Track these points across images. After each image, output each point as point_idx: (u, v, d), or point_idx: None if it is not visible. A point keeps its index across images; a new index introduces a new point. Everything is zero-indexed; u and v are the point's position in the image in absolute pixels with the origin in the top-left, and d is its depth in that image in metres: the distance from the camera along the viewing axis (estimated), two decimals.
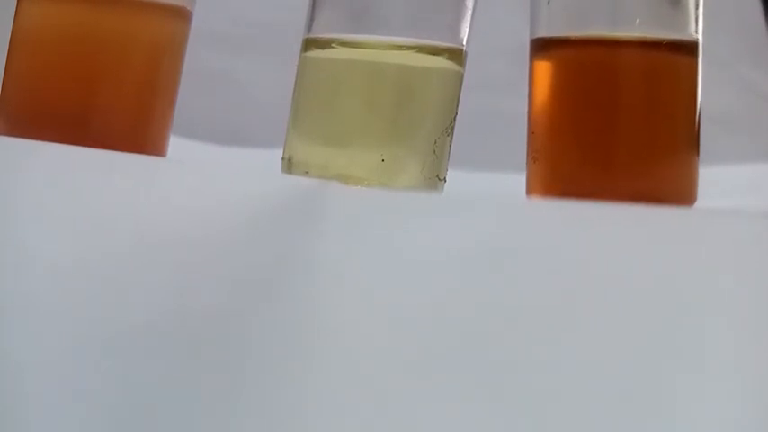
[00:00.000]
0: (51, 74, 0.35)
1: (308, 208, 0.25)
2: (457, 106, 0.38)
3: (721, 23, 0.63)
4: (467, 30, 0.38)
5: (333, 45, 0.37)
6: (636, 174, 0.37)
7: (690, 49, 0.38)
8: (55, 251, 0.23)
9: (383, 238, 0.23)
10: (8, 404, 0.21)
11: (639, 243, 0.23)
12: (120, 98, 0.36)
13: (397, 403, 0.20)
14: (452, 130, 0.38)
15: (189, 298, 0.23)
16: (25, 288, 0.23)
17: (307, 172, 0.37)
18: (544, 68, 0.39)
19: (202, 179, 0.27)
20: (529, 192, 0.39)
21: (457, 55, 0.38)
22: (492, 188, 0.52)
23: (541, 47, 0.39)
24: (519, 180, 0.40)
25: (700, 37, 0.38)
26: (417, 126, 0.37)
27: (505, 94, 0.56)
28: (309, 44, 0.38)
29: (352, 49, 0.37)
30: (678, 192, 0.38)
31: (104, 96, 0.36)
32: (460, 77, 0.38)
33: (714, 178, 0.42)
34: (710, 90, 0.40)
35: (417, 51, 0.37)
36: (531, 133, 0.39)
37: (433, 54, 0.38)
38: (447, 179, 0.38)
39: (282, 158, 0.38)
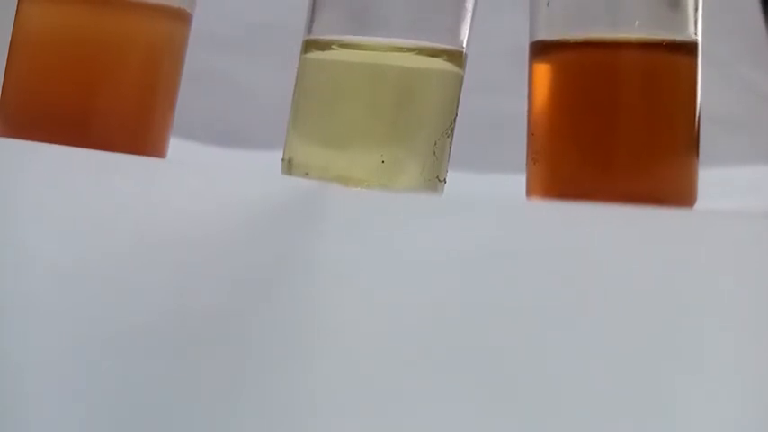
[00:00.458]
0: (51, 76, 0.35)
1: (308, 209, 0.25)
2: (457, 108, 0.38)
3: (721, 24, 0.63)
4: (467, 32, 0.38)
5: (333, 47, 0.37)
6: (636, 175, 0.37)
7: (689, 50, 0.38)
8: (55, 252, 0.23)
9: (383, 239, 0.23)
10: (8, 404, 0.21)
11: (639, 244, 0.23)
12: (121, 100, 0.36)
13: (396, 404, 0.20)
14: (452, 131, 0.38)
15: (189, 299, 0.23)
16: (26, 289, 0.23)
17: (307, 173, 0.37)
18: (544, 71, 0.39)
19: (202, 180, 0.27)
20: (529, 193, 0.39)
21: (457, 57, 0.38)
22: (492, 189, 0.52)
23: (541, 49, 0.39)
24: (519, 181, 0.40)
25: (699, 38, 0.38)
26: (417, 128, 0.37)
27: (505, 96, 0.56)
28: (309, 46, 0.38)
29: (352, 51, 0.37)
30: (678, 193, 0.38)
31: (104, 98, 0.36)
32: (460, 79, 0.38)
33: (714, 179, 0.42)
34: (710, 91, 0.40)
35: (417, 53, 0.37)
36: (530, 135, 0.40)
37: (433, 56, 0.38)
38: (447, 180, 0.38)
39: (282, 160, 0.38)
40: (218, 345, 0.22)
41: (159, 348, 0.22)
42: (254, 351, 0.22)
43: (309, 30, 0.38)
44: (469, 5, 0.38)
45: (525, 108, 0.40)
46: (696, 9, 0.38)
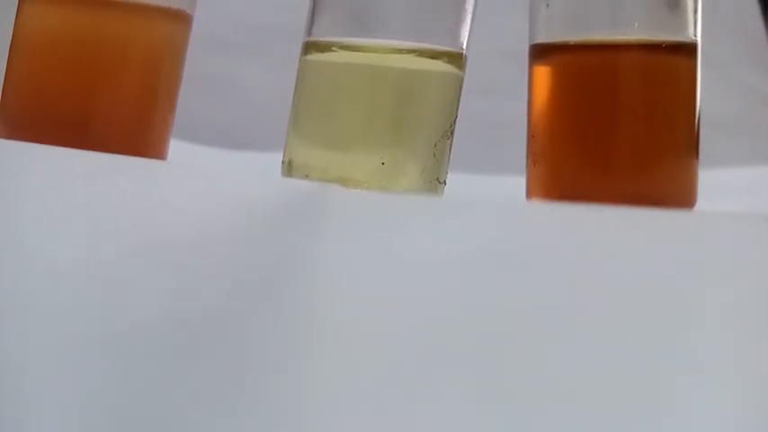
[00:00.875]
0: (52, 77, 0.35)
1: (308, 211, 0.25)
2: (457, 109, 0.38)
3: (720, 26, 0.63)
4: (467, 33, 0.38)
5: (333, 48, 0.37)
6: (636, 176, 0.37)
7: (689, 51, 0.38)
8: (55, 253, 0.23)
9: (383, 241, 0.23)
10: (8, 404, 0.21)
11: (639, 246, 0.23)
12: (121, 101, 0.36)
13: (397, 404, 0.20)
14: (452, 133, 0.38)
15: (189, 300, 0.23)
16: (26, 290, 0.23)
17: (307, 175, 0.37)
18: (544, 73, 0.39)
19: (203, 182, 0.27)
20: (529, 195, 0.39)
21: (457, 58, 0.38)
22: (492, 191, 0.52)
23: (541, 52, 0.39)
24: (519, 183, 0.40)
25: (698, 39, 0.38)
26: (417, 129, 0.37)
27: (505, 98, 0.56)
28: (309, 47, 0.38)
29: (352, 53, 0.37)
30: (678, 194, 0.38)
31: (105, 100, 0.36)
32: (460, 81, 0.38)
33: (714, 181, 0.42)
34: (710, 93, 0.40)
35: (417, 55, 0.37)
36: (530, 136, 0.40)
37: (433, 58, 0.38)
38: (447, 182, 0.38)
39: (282, 162, 0.38)
40: (218, 346, 0.22)
41: (159, 349, 0.22)
42: (255, 352, 0.22)
43: (309, 32, 0.38)
44: (469, 7, 0.38)
45: (525, 110, 0.40)
46: (696, 10, 0.38)
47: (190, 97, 0.40)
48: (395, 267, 0.23)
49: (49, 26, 0.36)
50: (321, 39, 0.38)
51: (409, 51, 0.37)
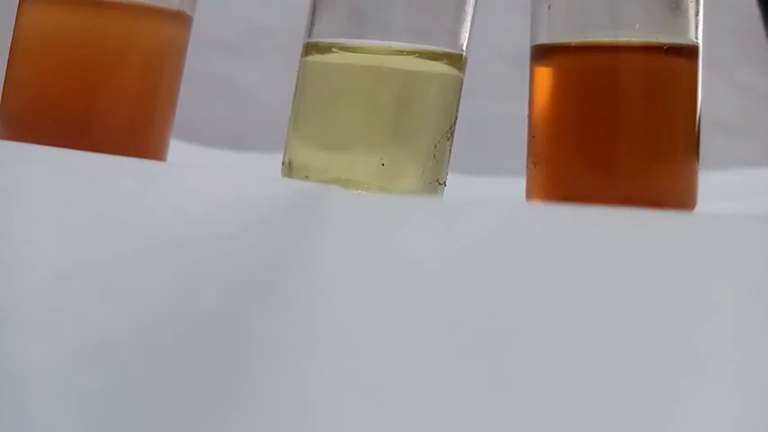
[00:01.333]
0: (52, 78, 0.36)
1: (308, 212, 0.25)
2: (457, 111, 0.38)
3: (721, 28, 0.63)
4: (467, 35, 0.38)
5: (333, 49, 0.37)
6: (636, 178, 0.37)
7: (690, 53, 0.38)
8: (55, 254, 0.23)
9: (383, 241, 0.23)
10: (8, 405, 0.21)
11: (640, 247, 0.23)
12: (121, 102, 0.36)
13: (397, 404, 0.20)
14: (452, 134, 0.38)
15: (189, 301, 0.23)
16: (25, 291, 0.23)
17: (307, 176, 0.37)
18: (545, 74, 0.39)
19: (202, 183, 0.27)
20: (529, 196, 0.39)
21: (457, 60, 0.38)
22: (492, 192, 0.52)
23: (542, 53, 0.39)
24: (519, 184, 0.40)
25: (700, 41, 0.38)
26: (417, 130, 0.37)
27: (505, 98, 0.56)
28: (310, 48, 0.38)
29: (352, 54, 0.37)
30: (678, 196, 0.38)
31: (105, 100, 0.36)
32: (460, 82, 0.38)
33: (714, 182, 0.42)
34: (711, 94, 0.40)
35: (417, 56, 0.37)
36: (531, 137, 0.40)
37: (433, 59, 0.38)
38: (447, 183, 0.38)
39: (282, 162, 0.38)
40: (217, 346, 0.22)
41: (158, 350, 0.22)
42: (254, 353, 0.22)
43: (310, 33, 0.38)
44: (469, 8, 0.38)
45: (525, 111, 0.40)
46: (697, 13, 0.39)
47: (190, 98, 0.40)
48: (394, 268, 0.23)
49: (49, 27, 0.36)
50: (321, 40, 0.38)
51: (409, 53, 0.37)
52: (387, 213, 0.24)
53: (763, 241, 0.23)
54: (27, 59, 0.36)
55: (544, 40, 0.39)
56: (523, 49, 0.40)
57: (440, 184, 0.38)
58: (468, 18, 0.38)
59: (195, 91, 0.45)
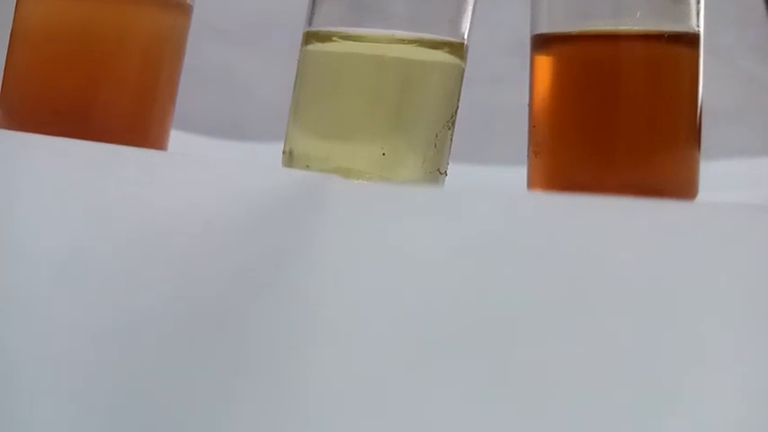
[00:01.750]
0: (52, 68, 0.35)
1: (309, 201, 0.25)
2: (458, 100, 0.38)
3: (722, 15, 0.62)
4: (468, 24, 0.38)
5: (334, 38, 0.37)
6: (637, 167, 0.37)
7: (691, 41, 0.38)
8: (55, 244, 0.23)
9: (384, 231, 0.23)
10: (8, 397, 0.21)
11: (640, 236, 0.23)
12: (121, 92, 0.36)
13: (397, 398, 0.20)
14: (453, 123, 0.38)
15: (189, 291, 0.23)
16: (25, 280, 0.23)
17: (307, 165, 0.37)
18: (545, 63, 0.39)
19: (203, 173, 0.27)
20: (530, 185, 0.39)
21: (458, 49, 0.38)
22: (493, 181, 0.52)
23: (542, 42, 0.39)
24: (520, 173, 0.40)
25: (701, 29, 0.38)
26: (418, 120, 0.37)
27: (506, 87, 0.56)
28: (310, 37, 0.38)
29: (352, 43, 0.37)
30: (679, 185, 0.38)
31: (105, 90, 0.35)
32: (461, 71, 0.38)
33: (715, 172, 0.42)
34: (712, 83, 0.40)
35: (418, 45, 0.37)
36: (532, 127, 0.39)
37: (434, 48, 0.37)
38: (448, 173, 0.38)
39: (283, 152, 0.38)
40: (218, 336, 0.22)
41: (158, 339, 0.22)
42: (254, 343, 0.22)
43: (310, 21, 0.38)
44: None
45: (526, 100, 0.40)
46: (698, 1, 0.38)
47: (190, 87, 0.40)
48: (395, 257, 0.23)
49: (49, 17, 0.36)
50: (322, 29, 0.38)
51: (410, 41, 0.37)
52: (387, 203, 0.24)
53: (763, 231, 0.23)
54: (27, 49, 0.36)
55: (544, 29, 0.39)
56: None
57: (441, 173, 0.38)
58: (470, 7, 0.38)
59: (195, 80, 0.45)
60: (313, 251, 0.23)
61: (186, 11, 0.37)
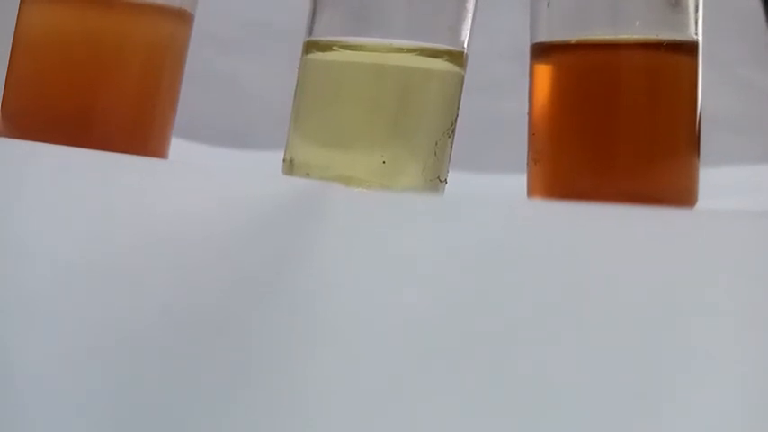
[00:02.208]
0: (53, 76, 0.36)
1: (309, 209, 0.25)
2: (458, 108, 0.38)
3: (721, 24, 0.63)
4: (467, 32, 0.38)
5: (334, 48, 0.37)
6: (637, 175, 0.37)
7: (690, 49, 0.38)
8: (57, 252, 0.23)
9: (384, 239, 0.23)
10: (8, 400, 0.21)
11: (640, 244, 0.23)
12: (122, 100, 0.36)
13: (397, 405, 0.21)
14: (453, 131, 0.38)
15: (189, 298, 0.23)
16: (27, 288, 0.23)
17: (308, 173, 0.37)
18: (545, 72, 0.39)
19: (203, 181, 0.27)
20: (530, 193, 0.39)
21: (458, 57, 0.38)
22: (493, 189, 0.52)
23: (542, 51, 0.39)
24: (520, 181, 0.40)
25: (700, 38, 0.38)
26: (418, 128, 0.37)
27: (506, 95, 0.56)
28: (311, 47, 0.38)
29: (353, 52, 0.37)
30: (679, 193, 0.38)
31: (106, 98, 0.36)
32: (461, 79, 0.38)
33: (715, 179, 0.42)
34: (711, 91, 0.40)
35: (418, 54, 0.37)
36: (531, 135, 0.40)
37: (434, 56, 0.38)
38: (448, 180, 0.38)
39: (284, 160, 0.38)
40: (218, 343, 0.22)
41: (160, 346, 0.22)
42: (255, 350, 0.22)
43: (310, 31, 0.38)
44: (470, 6, 0.38)
45: (526, 108, 0.40)
46: (697, 9, 0.39)
47: (191, 96, 0.40)
48: (395, 265, 0.23)
49: (50, 25, 0.36)
50: (322, 38, 0.38)
51: (410, 50, 0.37)
52: (387, 211, 0.25)
53: (763, 238, 0.23)
54: (29, 58, 0.36)
55: (544, 38, 0.39)
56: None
57: (441, 181, 0.38)
58: (470, 15, 0.38)
59: (196, 89, 0.45)
60: (313, 259, 0.23)
61: (187, 19, 0.38)
